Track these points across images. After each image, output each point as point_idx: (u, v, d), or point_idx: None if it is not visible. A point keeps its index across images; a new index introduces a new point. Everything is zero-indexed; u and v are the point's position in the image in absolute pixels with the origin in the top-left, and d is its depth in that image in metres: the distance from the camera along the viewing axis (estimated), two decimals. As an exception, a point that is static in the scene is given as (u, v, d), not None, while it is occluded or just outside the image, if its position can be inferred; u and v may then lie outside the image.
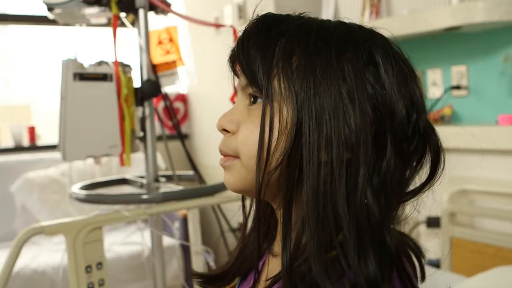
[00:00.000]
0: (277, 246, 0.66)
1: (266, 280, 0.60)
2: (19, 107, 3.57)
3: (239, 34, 0.62)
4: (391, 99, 0.54)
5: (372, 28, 0.60)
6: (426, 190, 0.59)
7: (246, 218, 0.70)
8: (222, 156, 0.63)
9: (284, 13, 0.61)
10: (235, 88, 0.65)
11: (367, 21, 2.24)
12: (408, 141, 0.56)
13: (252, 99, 0.60)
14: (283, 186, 0.57)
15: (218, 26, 1.84)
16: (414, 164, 0.58)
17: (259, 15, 0.61)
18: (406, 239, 0.57)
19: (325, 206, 0.53)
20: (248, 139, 0.58)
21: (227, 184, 0.63)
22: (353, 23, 0.60)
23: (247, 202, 0.70)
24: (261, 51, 0.57)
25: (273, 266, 0.64)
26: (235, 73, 0.63)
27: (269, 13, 0.61)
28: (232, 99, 1.56)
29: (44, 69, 3.56)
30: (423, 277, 0.59)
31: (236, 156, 0.60)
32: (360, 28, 0.59)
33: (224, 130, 0.62)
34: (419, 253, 0.57)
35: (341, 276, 0.51)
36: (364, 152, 0.52)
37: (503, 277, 1.40)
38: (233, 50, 0.62)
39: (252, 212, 0.70)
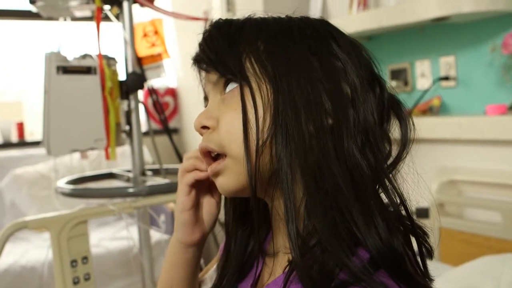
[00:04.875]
0: (271, 244, 0.62)
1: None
2: (10, 103, 3.53)
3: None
4: (354, 66, 0.56)
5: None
6: (404, 158, 0.57)
7: (228, 216, 0.67)
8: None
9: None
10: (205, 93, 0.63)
11: (355, 13, 2.22)
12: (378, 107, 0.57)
13: (226, 89, 0.59)
14: (278, 168, 0.53)
15: (194, 19, 1.82)
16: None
17: (213, 21, 0.62)
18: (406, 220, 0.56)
19: (322, 178, 0.52)
20: (234, 127, 0.56)
21: (224, 190, 0.60)
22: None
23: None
24: (227, 39, 0.59)
25: (272, 265, 0.61)
26: (204, 71, 0.62)
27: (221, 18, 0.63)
28: None
29: (34, 65, 3.52)
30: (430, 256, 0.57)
31: (224, 154, 0.57)
32: (307, 17, 0.62)
33: (203, 128, 0.60)
34: (422, 234, 0.57)
35: (355, 248, 0.50)
36: (343, 114, 0.54)
37: (490, 266, 1.40)
38: (198, 51, 0.62)
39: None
